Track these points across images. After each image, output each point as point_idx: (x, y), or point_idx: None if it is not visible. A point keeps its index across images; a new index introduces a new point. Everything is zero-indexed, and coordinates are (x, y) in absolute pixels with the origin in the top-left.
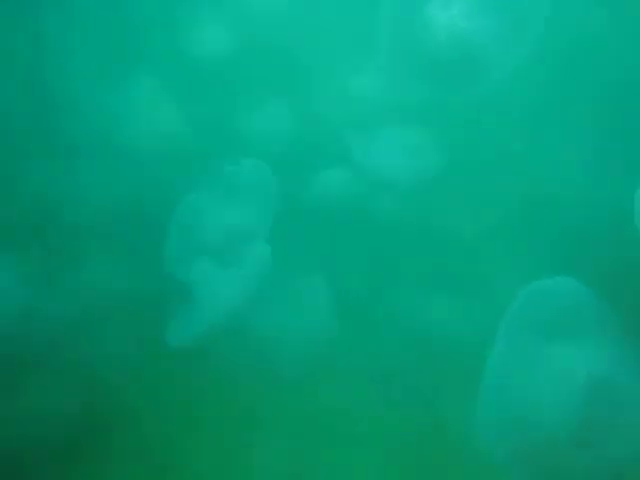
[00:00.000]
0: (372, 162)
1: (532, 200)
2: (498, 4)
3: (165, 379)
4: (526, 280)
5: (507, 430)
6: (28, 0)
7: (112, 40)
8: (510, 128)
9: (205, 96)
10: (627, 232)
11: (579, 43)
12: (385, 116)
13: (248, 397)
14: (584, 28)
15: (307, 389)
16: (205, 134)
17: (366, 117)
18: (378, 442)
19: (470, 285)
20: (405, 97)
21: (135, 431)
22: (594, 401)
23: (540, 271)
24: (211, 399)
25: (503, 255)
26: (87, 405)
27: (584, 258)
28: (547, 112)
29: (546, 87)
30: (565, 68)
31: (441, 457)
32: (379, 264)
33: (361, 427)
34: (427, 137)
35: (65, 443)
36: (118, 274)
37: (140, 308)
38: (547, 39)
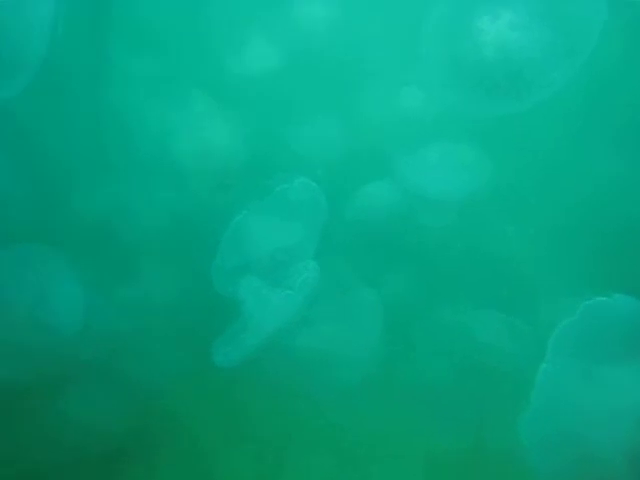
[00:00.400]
0: (419, 177)
1: (581, 216)
2: (547, 18)
3: (211, 394)
4: (573, 298)
5: (556, 449)
6: (93, 20)
7: (166, 60)
8: (558, 143)
9: (256, 113)
10: None
11: (629, 57)
12: (432, 131)
13: (292, 414)
14: (635, 43)
15: (351, 407)
16: (256, 150)
17: (413, 132)
18: (421, 461)
19: (517, 302)
20: (453, 112)
21: (179, 444)
22: None
23: (588, 289)
24: (255, 416)
25: (551, 272)
26: (134, 417)
27: (636, 274)
28: (595, 126)
29: (595, 101)
30: (614, 82)
31: (486, 476)
32: (426, 280)
33: (404, 447)
34: (474, 152)
35: (111, 454)
36: (169, 290)
37: (189, 324)
38: (597, 53)
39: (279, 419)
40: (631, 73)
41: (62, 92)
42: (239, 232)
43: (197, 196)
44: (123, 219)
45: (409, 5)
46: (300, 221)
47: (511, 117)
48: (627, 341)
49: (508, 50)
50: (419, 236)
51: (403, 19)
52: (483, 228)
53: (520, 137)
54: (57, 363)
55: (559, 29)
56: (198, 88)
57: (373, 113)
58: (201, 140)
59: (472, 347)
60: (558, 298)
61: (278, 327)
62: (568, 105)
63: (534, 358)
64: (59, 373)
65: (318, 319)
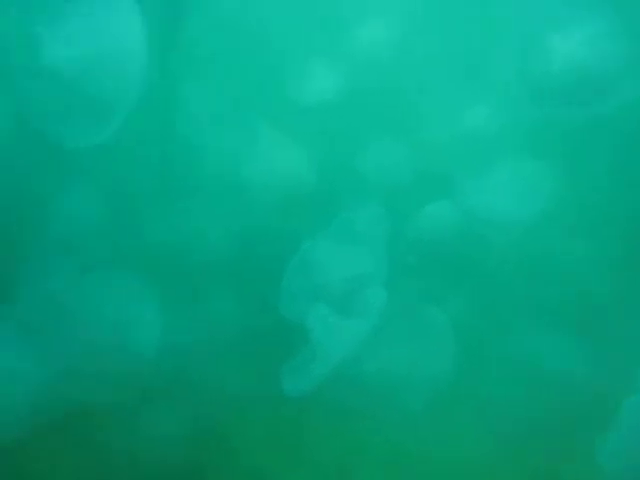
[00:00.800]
0: (485, 196)
1: None
2: (617, 30)
3: (277, 421)
4: None
5: None
6: (168, 55)
7: (231, 89)
8: (629, 158)
9: (321, 138)
10: None
11: None
12: (498, 149)
13: (360, 441)
14: None
15: (420, 431)
16: (321, 175)
17: (479, 150)
18: None
19: (594, 326)
20: (518, 129)
21: (244, 470)
22: None
23: None
24: (322, 443)
25: (628, 294)
26: (199, 441)
27: None
28: None
29: None
30: None
31: None
32: (496, 301)
33: (473, 473)
34: (541, 170)
35: (178, 477)
36: (235, 314)
37: (255, 349)
38: None
39: (347, 446)
40: None
41: (141, 129)
42: (306, 258)
43: (265, 221)
44: (193, 244)
45: (470, 22)
46: (367, 247)
47: (580, 133)
48: None
49: (577, 65)
50: (487, 256)
51: (465, 37)
52: (553, 247)
53: (589, 153)
54: (132, 386)
55: (631, 42)
56: (263, 116)
57: (437, 133)
58: (268, 167)
59: (545, 372)
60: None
61: (347, 355)
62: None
63: (614, 385)
64: (133, 396)
65: (386, 343)
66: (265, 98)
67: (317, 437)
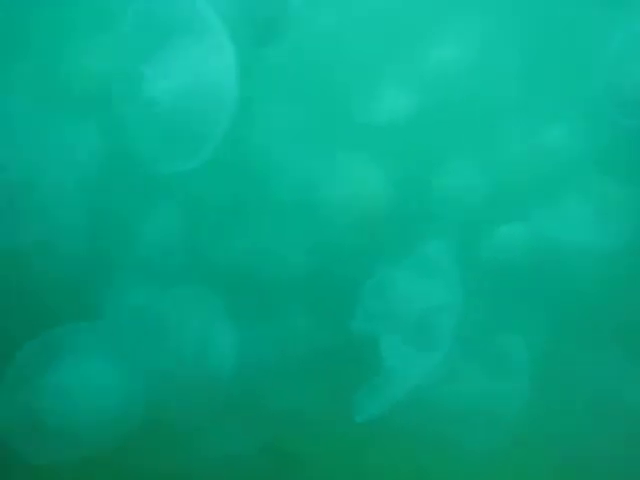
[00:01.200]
0: (564, 220)
1: None
2: None
3: (343, 442)
4: None
5: None
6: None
7: (305, 108)
8: None
9: (395, 159)
10: None
11: None
12: (578, 171)
13: (434, 472)
14: None
15: (493, 463)
16: (397, 197)
17: (558, 172)
18: None
19: None
20: (602, 152)
21: None
22: None
23: None
24: (388, 467)
25: None
26: (262, 456)
27: None
28: None
29: None
30: None
31: None
32: (574, 329)
33: None
34: (625, 197)
35: None
36: (308, 333)
37: (326, 369)
38: None
39: (414, 473)
40: None
41: (222, 152)
42: (382, 282)
43: (339, 240)
44: (269, 263)
45: (547, 37)
46: (443, 276)
47: None
48: None
49: None
50: (562, 283)
51: (541, 52)
52: (636, 277)
53: None
54: (207, 402)
55: None
56: (338, 136)
57: (513, 153)
58: (343, 186)
59: (626, 404)
60: None
61: (419, 384)
62: None
63: None
64: (207, 411)
65: (459, 370)
66: (340, 118)
67: (385, 461)
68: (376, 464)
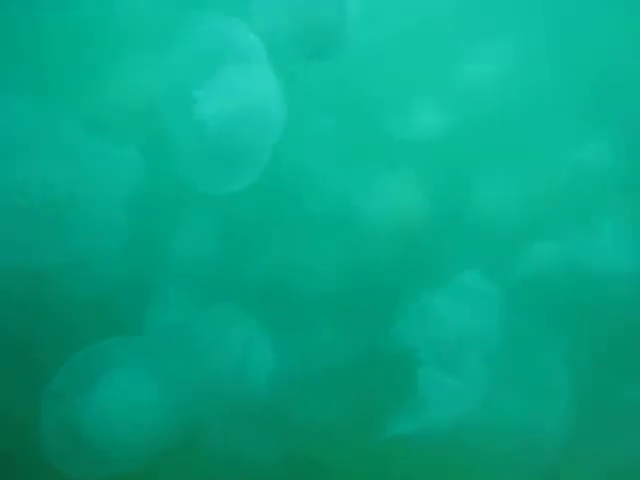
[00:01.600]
0: (598, 241)
1: None
2: None
3: (372, 457)
4: None
5: None
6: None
7: (341, 121)
8: None
9: (430, 175)
10: None
11: None
12: (612, 191)
13: None
14: None
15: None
16: (434, 213)
17: (590, 191)
18: None
19: None
20: (637, 169)
21: None
22: None
23: None
24: None
25: None
26: (293, 467)
27: None
28: None
29: None
30: None
31: None
32: (616, 350)
33: None
34: None
35: None
36: (343, 348)
37: (361, 385)
38: None
39: None
40: None
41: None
42: (417, 306)
43: (375, 258)
44: (305, 279)
45: (582, 54)
46: (479, 298)
47: None
48: None
49: None
50: (596, 303)
51: (576, 70)
52: None
53: None
54: (244, 416)
55: None
56: (373, 152)
57: (549, 170)
58: (378, 203)
59: None
60: None
61: (456, 411)
62: None
63: None
64: (245, 425)
65: (499, 391)
66: (375, 134)
67: (412, 476)
68: (402, 477)
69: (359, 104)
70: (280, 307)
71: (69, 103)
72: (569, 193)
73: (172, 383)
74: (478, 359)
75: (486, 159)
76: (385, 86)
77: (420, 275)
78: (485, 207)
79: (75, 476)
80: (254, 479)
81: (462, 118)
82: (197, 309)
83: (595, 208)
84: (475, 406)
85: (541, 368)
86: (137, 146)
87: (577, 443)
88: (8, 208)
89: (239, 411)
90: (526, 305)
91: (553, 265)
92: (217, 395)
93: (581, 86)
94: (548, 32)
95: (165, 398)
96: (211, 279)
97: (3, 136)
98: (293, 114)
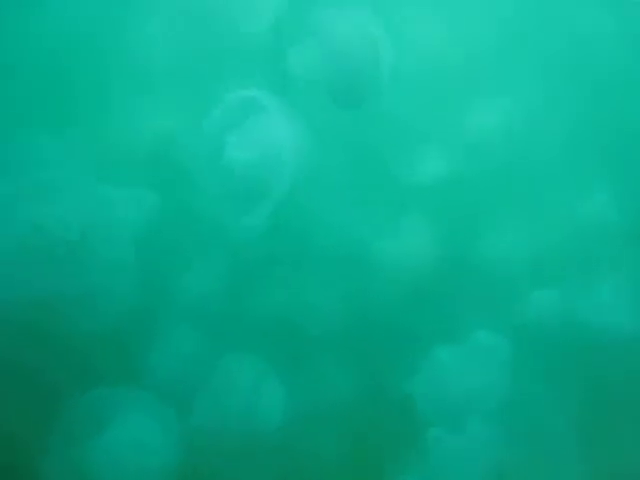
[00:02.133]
0: (600, 297)
1: None
2: None
3: None
4: None
5: None
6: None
7: (357, 167)
8: None
9: (439, 220)
10: None
11: None
12: (620, 245)
13: None
14: None
15: None
16: (442, 258)
17: (598, 244)
18: None
19: None
20: None
21: None
22: None
23: None
24: None
25: None
26: None
27: None
28: None
29: None
30: None
31: None
32: (613, 407)
33: None
34: None
35: None
36: (351, 392)
37: (366, 430)
38: None
39: None
40: None
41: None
42: (428, 361)
43: (383, 300)
44: (312, 319)
45: (589, 108)
46: (488, 354)
47: None
48: None
49: None
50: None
51: (584, 123)
52: None
53: None
54: (254, 459)
55: None
56: (384, 193)
57: (553, 220)
58: (387, 245)
59: None
60: None
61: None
62: None
63: None
64: (254, 466)
65: (506, 454)
66: (384, 178)
67: None
68: None
69: (372, 150)
70: (289, 346)
71: (86, 143)
72: (572, 246)
73: (180, 425)
74: (485, 418)
75: (491, 206)
76: (397, 134)
77: (426, 322)
78: (490, 255)
79: None
80: None
81: (469, 167)
82: (205, 348)
83: (597, 262)
84: (483, 467)
85: (549, 430)
86: (150, 185)
87: None
88: (26, 246)
89: (248, 452)
90: (532, 360)
91: (555, 317)
92: (226, 436)
93: (586, 139)
94: (555, 87)
95: (173, 440)
96: (219, 318)
97: (24, 178)
98: (308, 156)
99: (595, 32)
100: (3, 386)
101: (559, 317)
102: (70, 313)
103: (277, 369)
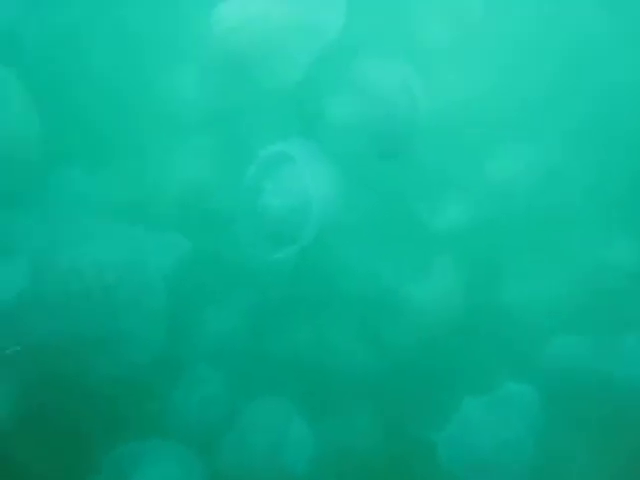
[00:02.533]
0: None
1: None
2: None
3: None
4: None
5: None
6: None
7: (381, 212)
8: None
9: (462, 263)
10: None
11: None
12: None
13: None
14: None
15: None
16: (465, 296)
17: (622, 291)
18: None
19: None
20: None
21: None
22: None
23: None
24: None
25: None
26: None
27: None
28: None
29: None
30: None
31: None
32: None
33: None
34: None
35: None
36: (372, 433)
37: (389, 476)
38: None
39: None
40: None
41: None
42: (461, 416)
43: (407, 343)
44: (340, 363)
45: (611, 154)
46: (515, 419)
47: None
48: None
49: None
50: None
51: (606, 168)
52: None
53: None
54: None
55: None
56: (409, 238)
57: (576, 266)
58: (411, 288)
59: None
60: None
61: None
62: None
63: None
64: None
65: None
66: (406, 223)
67: None
68: None
69: (399, 196)
70: (316, 389)
71: (122, 188)
72: (596, 291)
73: (206, 470)
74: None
75: (514, 252)
76: (423, 181)
77: (453, 369)
78: (515, 301)
79: None
80: None
81: (494, 214)
82: (232, 391)
83: (622, 308)
84: None
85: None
86: (182, 230)
87: None
88: (66, 292)
89: None
90: (559, 412)
91: (579, 366)
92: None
93: (609, 185)
94: (577, 134)
95: None
96: (246, 360)
97: (63, 223)
98: (338, 202)
99: (619, 81)
100: (32, 435)
101: (585, 365)
102: (97, 358)
103: (304, 413)
